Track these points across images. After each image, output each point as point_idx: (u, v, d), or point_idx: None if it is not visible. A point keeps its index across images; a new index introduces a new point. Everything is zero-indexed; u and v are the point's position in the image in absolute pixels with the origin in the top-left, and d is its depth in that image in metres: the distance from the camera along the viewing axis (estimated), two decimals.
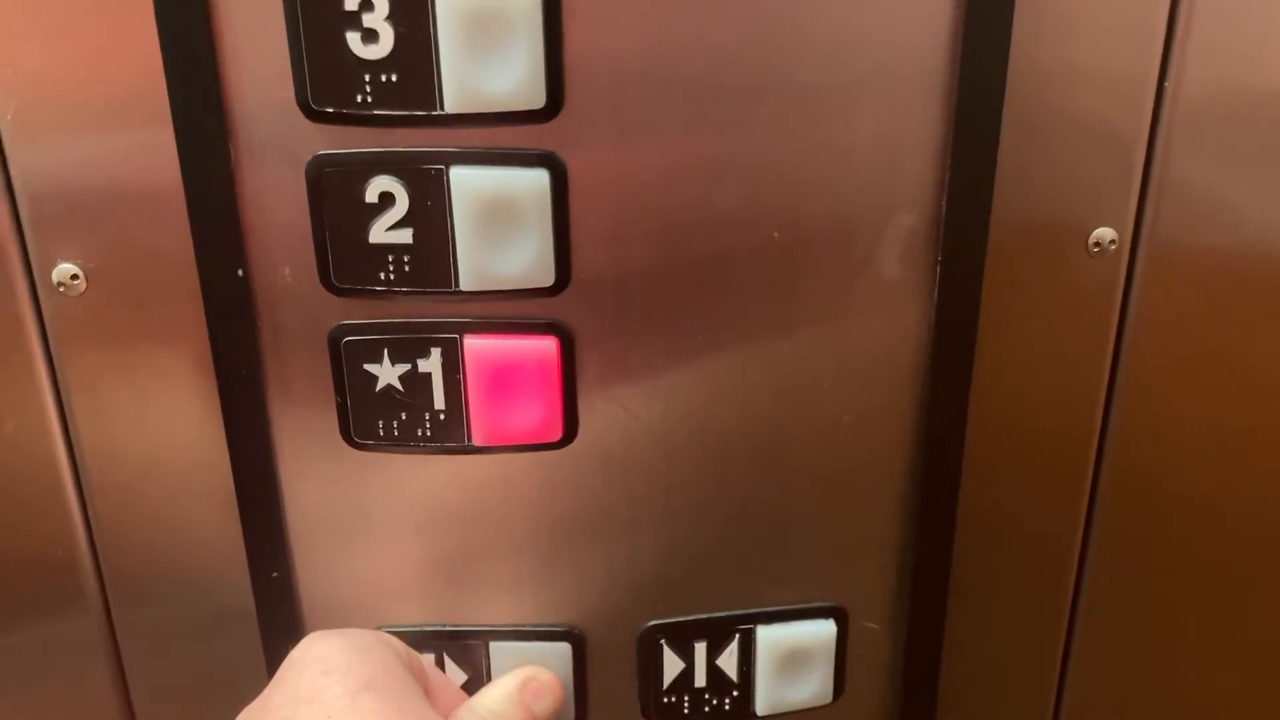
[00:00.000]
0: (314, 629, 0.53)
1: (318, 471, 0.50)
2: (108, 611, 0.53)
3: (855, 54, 0.44)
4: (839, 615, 0.53)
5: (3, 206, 0.46)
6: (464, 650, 0.52)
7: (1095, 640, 0.58)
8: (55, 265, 0.47)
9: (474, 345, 0.46)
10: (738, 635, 0.53)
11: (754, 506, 0.52)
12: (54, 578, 0.52)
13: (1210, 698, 0.60)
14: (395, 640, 0.45)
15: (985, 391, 0.51)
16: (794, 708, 0.54)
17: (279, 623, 0.52)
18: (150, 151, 0.44)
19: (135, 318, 0.48)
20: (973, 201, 0.47)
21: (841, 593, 0.54)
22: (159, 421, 0.50)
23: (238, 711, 0.43)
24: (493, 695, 0.47)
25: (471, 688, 0.52)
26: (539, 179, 0.44)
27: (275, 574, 0.51)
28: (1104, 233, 0.50)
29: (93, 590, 0.53)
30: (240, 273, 0.46)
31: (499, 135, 0.44)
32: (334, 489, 0.50)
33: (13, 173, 0.45)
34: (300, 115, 0.43)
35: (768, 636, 0.53)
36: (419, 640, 0.52)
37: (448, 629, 0.51)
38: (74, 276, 0.47)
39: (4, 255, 0.47)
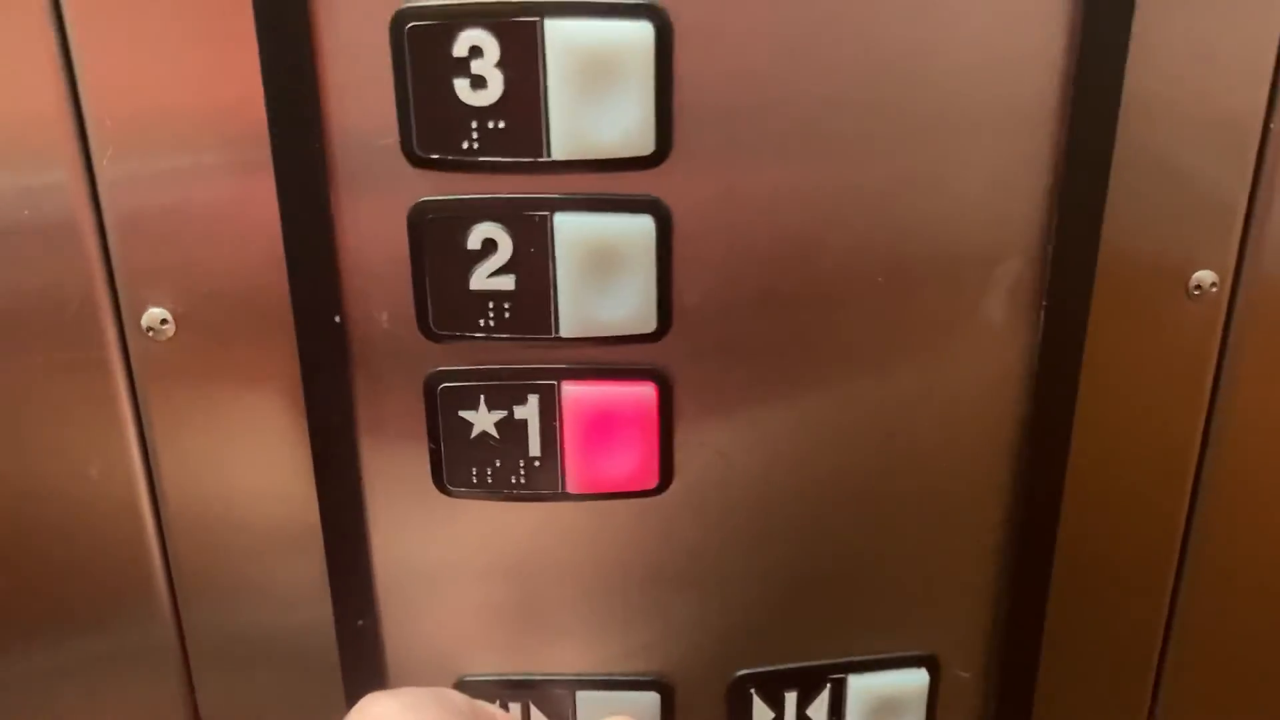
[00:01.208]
0: (398, 677, 0.52)
1: (408, 519, 0.49)
2: (186, 664, 0.53)
3: (966, 95, 0.43)
4: (931, 664, 0.52)
5: (95, 249, 0.45)
6: (550, 700, 0.51)
7: (1185, 691, 0.57)
8: (145, 309, 0.46)
9: (572, 392, 0.46)
10: (829, 685, 0.52)
11: (848, 553, 0.51)
12: (133, 625, 0.52)
13: None
14: (455, 695, 0.44)
15: (1084, 437, 0.50)
16: None
17: (363, 671, 0.51)
18: (246, 194, 0.44)
19: (224, 362, 0.47)
20: (1080, 245, 0.46)
21: (934, 640, 0.53)
22: (245, 466, 0.49)
23: None
24: None
25: None
26: (643, 225, 0.43)
27: (361, 622, 0.50)
28: (1204, 275, 0.49)
29: (172, 641, 0.52)
30: (337, 319, 0.45)
31: (604, 181, 0.43)
32: (423, 537, 0.49)
33: (106, 216, 0.45)
34: (404, 161, 0.43)
35: (859, 686, 0.52)
36: (504, 690, 0.51)
37: (534, 678, 0.50)
38: (163, 321, 0.46)
39: (94, 298, 0.46)
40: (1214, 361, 0.51)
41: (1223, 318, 0.50)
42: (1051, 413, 0.49)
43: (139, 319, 0.46)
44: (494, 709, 0.46)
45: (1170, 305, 0.50)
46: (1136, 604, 0.55)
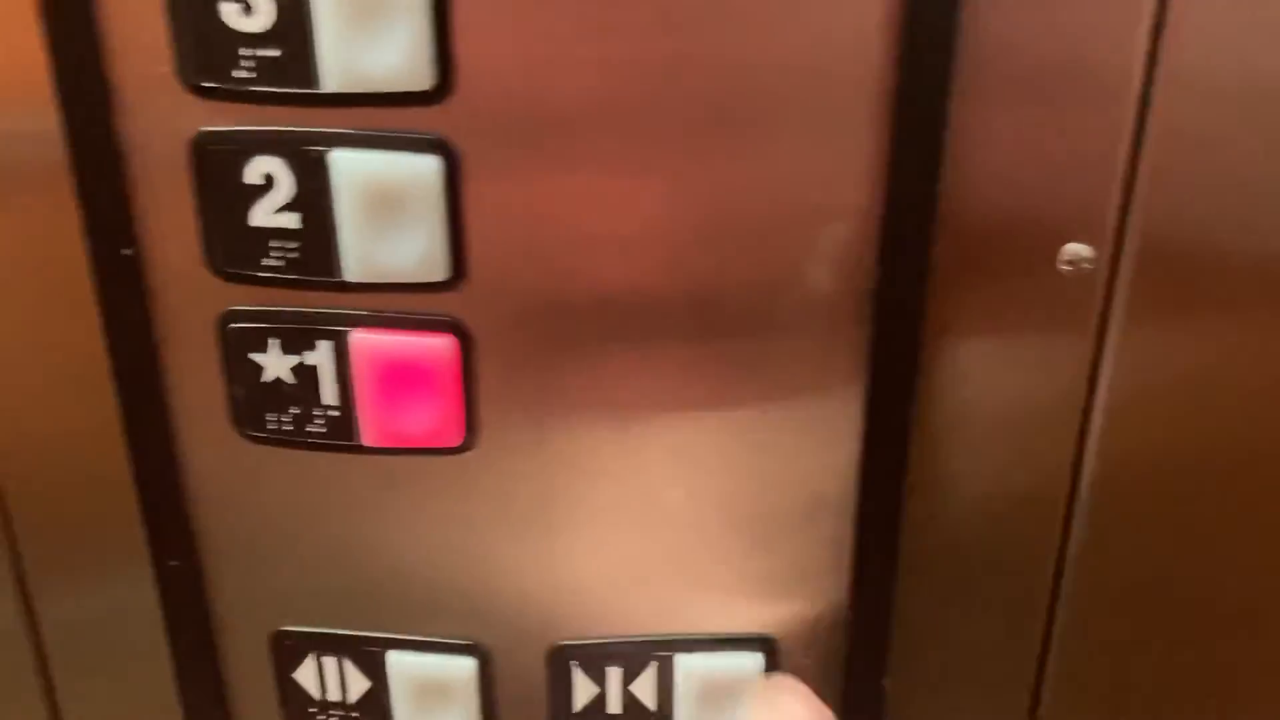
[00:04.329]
0: (221, 626, 0.51)
1: (218, 463, 0.48)
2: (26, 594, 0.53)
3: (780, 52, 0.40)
4: (767, 647, 0.50)
5: None
6: (362, 658, 0.49)
7: (1065, 689, 0.53)
8: None
9: (362, 340, 0.44)
10: (655, 662, 0.49)
11: (677, 523, 0.48)
12: None
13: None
14: None
15: (939, 415, 0.47)
16: None
17: (183, 615, 0.51)
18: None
19: (33, 296, 0.46)
20: (914, 211, 0.42)
21: (773, 623, 0.50)
22: (62, 401, 0.48)
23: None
24: None
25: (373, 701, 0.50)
26: (428, 164, 0.41)
27: (175, 562, 0.49)
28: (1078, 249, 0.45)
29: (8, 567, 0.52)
30: (128, 251, 0.44)
31: (387, 118, 0.41)
32: (235, 482, 0.48)
33: None
34: (185, 91, 0.41)
35: (689, 665, 0.50)
36: (320, 642, 0.50)
37: (340, 634, 0.49)
38: None
39: None
40: (1092, 341, 0.47)
41: (1101, 294, 0.46)
42: (889, 393, 0.45)
43: None
44: None
45: (1042, 280, 0.46)
46: (1013, 599, 0.51)
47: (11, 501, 0.50)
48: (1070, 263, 0.45)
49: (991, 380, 0.47)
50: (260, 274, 0.43)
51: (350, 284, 0.43)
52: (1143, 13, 0.41)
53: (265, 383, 0.45)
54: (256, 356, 0.44)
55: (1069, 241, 0.45)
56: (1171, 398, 0.48)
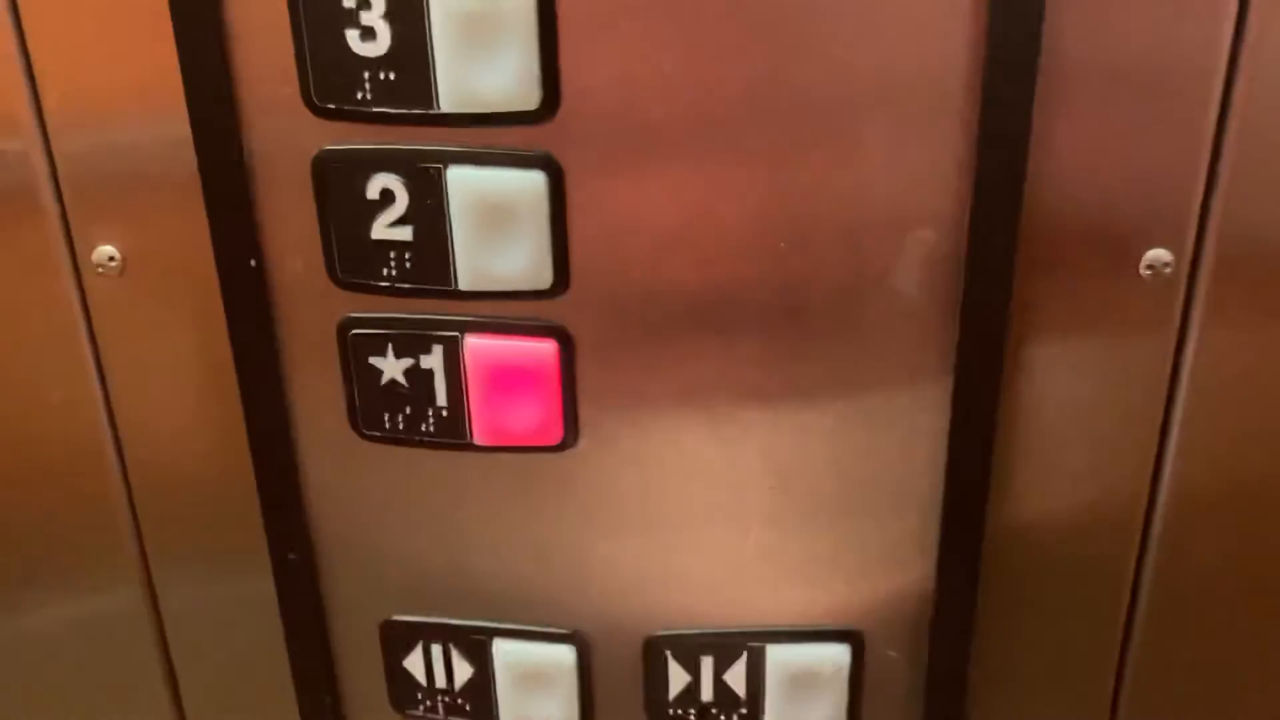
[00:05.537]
0: (332, 615, 0.54)
1: (334, 461, 0.51)
2: (150, 581, 0.56)
3: (867, 63, 0.42)
4: (854, 640, 0.51)
5: (48, 191, 0.48)
6: (467, 646, 0.52)
7: (1148, 695, 0.54)
8: (95, 248, 0.49)
9: (474, 344, 0.46)
10: (746, 653, 0.51)
11: (769, 520, 0.50)
12: (95, 545, 0.55)
13: None
14: None
15: (1023, 417, 0.48)
16: None
17: (297, 606, 0.53)
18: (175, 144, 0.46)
19: (169, 300, 0.49)
20: (1000, 217, 0.44)
21: (860, 617, 0.52)
22: (190, 401, 0.51)
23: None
24: None
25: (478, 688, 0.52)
26: (535, 180, 0.43)
27: (292, 555, 0.52)
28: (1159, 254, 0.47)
29: (134, 556, 0.55)
30: (253, 263, 0.47)
31: (498, 136, 0.43)
32: (349, 478, 0.51)
33: (57, 160, 0.48)
34: (307, 111, 0.44)
35: (778, 657, 0.51)
36: (427, 631, 0.53)
37: (447, 623, 0.52)
38: (111, 259, 0.49)
39: (51, 237, 0.49)
40: (1172, 346, 0.48)
41: (1181, 298, 0.47)
42: (975, 392, 0.47)
43: (90, 256, 0.49)
44: None
45: (1122, 284, 0.47)
46: (1092, 599, 0.53)
47: (139, 496, 0.54)
48: (1150, 267, 0.47)
49: (1073, 383, 0.48)
50: (378, 283, 0.46)
51: (462, 292, 0.45)
52: (1223, 16, 0.42)
53: (382, 385, 0.47)
54: (374, 360, 0.47)
55: (1150, 247, 0.46)
56: (1251, 404, 0.49)
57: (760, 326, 0.47)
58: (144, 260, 0.49)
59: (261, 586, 0.54)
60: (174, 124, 0.45)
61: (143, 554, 0.55)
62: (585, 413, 0.48)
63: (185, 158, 0.46)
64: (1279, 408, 0.49)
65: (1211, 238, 0.46)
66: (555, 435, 0.48)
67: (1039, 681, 0.54)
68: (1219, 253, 0.46)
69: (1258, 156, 0.44)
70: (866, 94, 0.43)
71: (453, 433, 0.48)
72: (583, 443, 0.48)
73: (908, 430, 0.48)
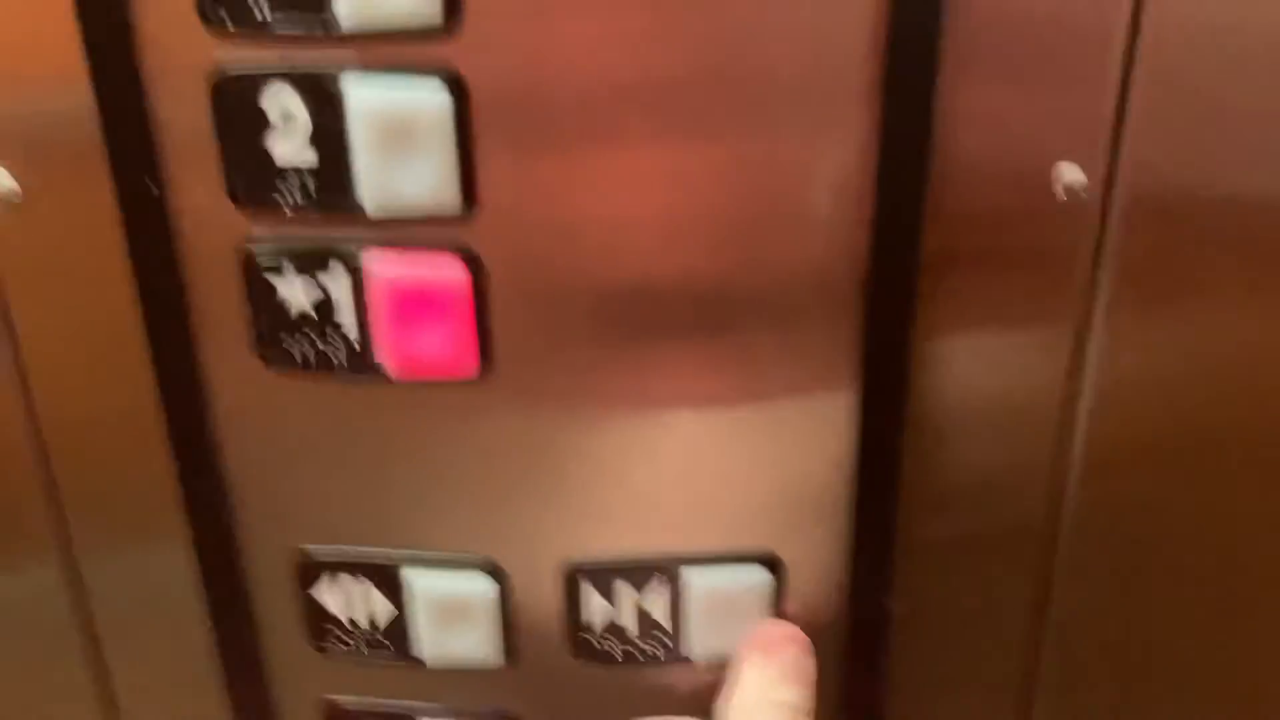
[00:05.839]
0: (247, 543, 0.53)
1: (245, 395, 0.50)
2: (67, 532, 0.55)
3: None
4: (772, 563, 0.52)
5: None
6: (381, 576, 0.52)
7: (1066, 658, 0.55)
8: None
9: (379, 271, 0.45)
10: (664, 578, 0.51)
11: (686, 446, 0.50)
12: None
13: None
14: None
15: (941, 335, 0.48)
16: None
17: (211, 537, 0.53)
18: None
19: (71, 230, 0.48)
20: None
21: (780, 541, 0.52)
22: (98, 340, 0.50)
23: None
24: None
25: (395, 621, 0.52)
26: (438, 95, 0.42)
27: (201, 484, 0.51)
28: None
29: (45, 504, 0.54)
30: (155, 190, 0.45)
31: (400, 54, 0.42)
32: (261, 412, 0.50)
33: None
34: (204, 30, 0.42)
35: (696, 582, 0.52)
36: (340, 562, 0.52)
37: (360, 550, 0.51)
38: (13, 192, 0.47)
39: None
40: (1088, 272, 0.48)
41: (1096, 223, 0.47)
42: (888, 314, 0.47)
43: None
44: None
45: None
46: (1009, 536, 0.53)
47: (48, 435, 0.52)
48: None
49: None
50: (281, 206, 0.44)
51: (370, 217, 0.44)
52: None
53: (286, 313, 0.46)
54: (275, 283, 0.46)
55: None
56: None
57: (680, 259, 0.46)
58: (44, 193, 0.47)
59: (181, 552, 0.53)
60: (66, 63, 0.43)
61: (56, 502, 0.54)
62: (502, 346, 0.47)
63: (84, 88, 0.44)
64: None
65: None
66: (471, 367, 0.47)
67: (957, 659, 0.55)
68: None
69: (1164, 109, 0.44)
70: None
71: (364, 366, 0.47)
72: (499, 374, 0.48)
73: (822, 363, 0.48)
